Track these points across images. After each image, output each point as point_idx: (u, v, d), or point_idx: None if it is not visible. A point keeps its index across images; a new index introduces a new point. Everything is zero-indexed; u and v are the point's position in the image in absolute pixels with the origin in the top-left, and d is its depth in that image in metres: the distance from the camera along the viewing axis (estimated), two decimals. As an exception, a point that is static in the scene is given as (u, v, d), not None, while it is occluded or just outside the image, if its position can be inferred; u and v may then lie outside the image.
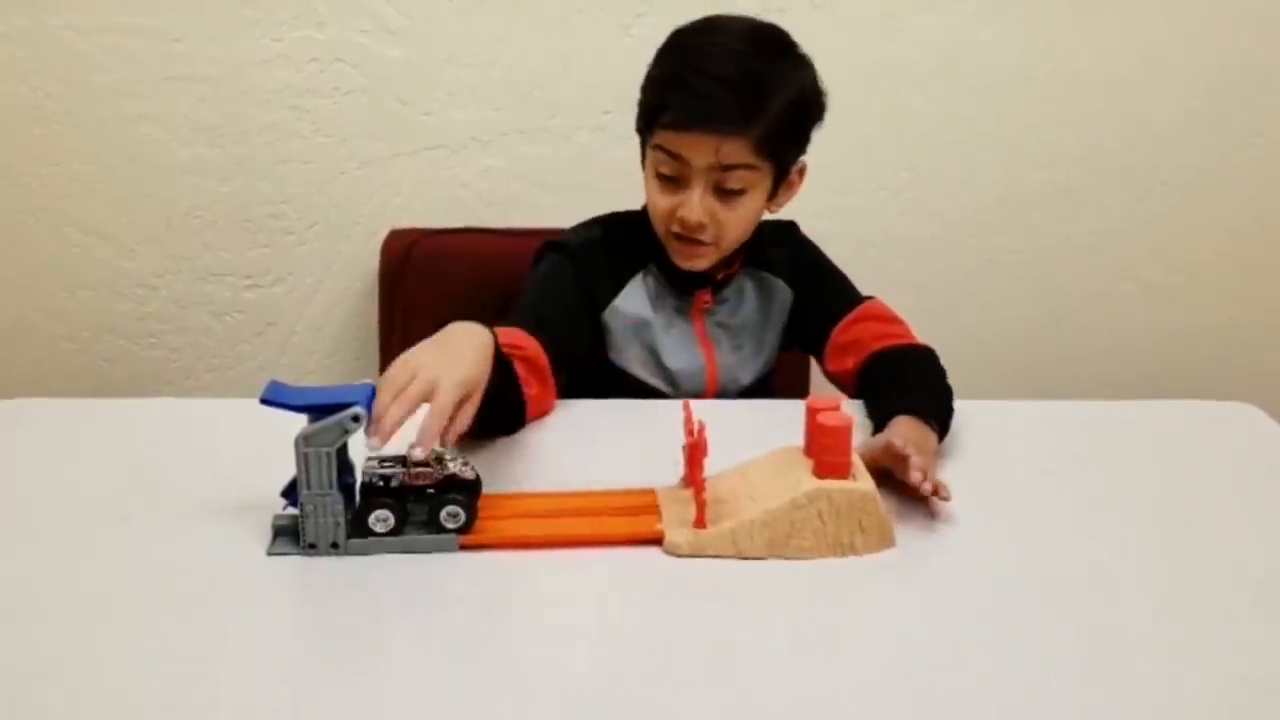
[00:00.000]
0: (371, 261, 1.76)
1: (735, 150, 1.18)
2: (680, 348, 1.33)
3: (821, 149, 1.29)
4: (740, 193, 1.22)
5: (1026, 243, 1.91)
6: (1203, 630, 0.87)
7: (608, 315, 1.31)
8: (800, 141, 1.25)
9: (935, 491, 1.02)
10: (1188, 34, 1.82)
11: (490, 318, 1.66)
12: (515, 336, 1.16)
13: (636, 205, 1.36)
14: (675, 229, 1.24)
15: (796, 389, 1.57)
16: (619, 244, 1.32)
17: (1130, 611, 0.89)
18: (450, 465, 0.95)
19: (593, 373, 1.30)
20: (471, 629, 0.85)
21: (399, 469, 0.95)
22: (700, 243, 1.24)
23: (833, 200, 1.83)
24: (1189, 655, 0.83)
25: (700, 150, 1.18)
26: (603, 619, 0.87)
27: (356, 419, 0.90)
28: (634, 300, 1.31)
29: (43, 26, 1.69)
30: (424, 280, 1.70)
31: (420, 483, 0.94)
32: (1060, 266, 1.93)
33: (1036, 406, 1.31)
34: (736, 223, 1.24)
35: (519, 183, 1.80)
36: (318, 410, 0.91)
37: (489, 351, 1.02)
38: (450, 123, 1.77)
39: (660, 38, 1.25)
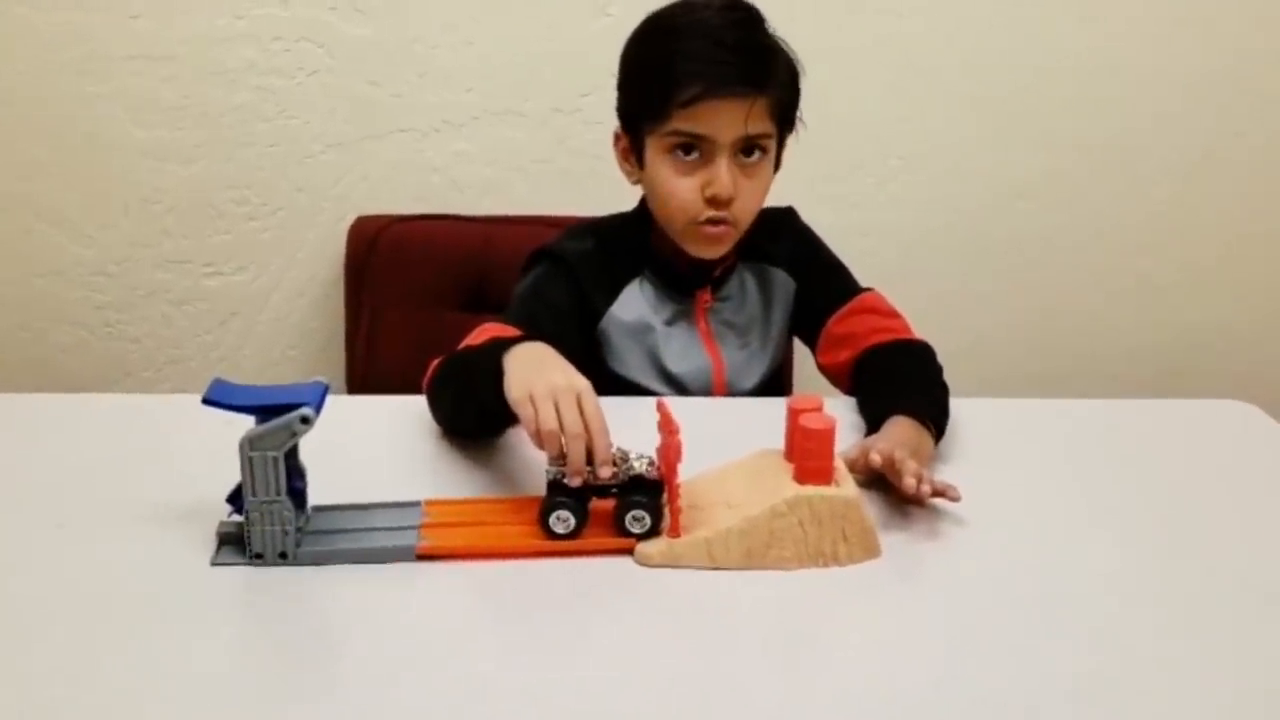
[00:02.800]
0: (338, 248, 1.72)
1: (759, 115, 1.16)
2: (684, 351, 1.28)
3: (807, 135, 1.25)
4: (759, 163, 1.20)
5: (1019, 233, 1.88)
6: (1205, 636, 0.84)
7: (605, 324, 1.27)
8: (797, 106, 1.23)
9: (940, 493, 0.97)
10: (1186, 18, 1.79)
11: (461, 307, 1.65)
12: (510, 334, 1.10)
13: (612, 191, 1.31)
14: (707, 214, 1.19)
15: (810, 386, 1.51)
16: (612, 252, 1.28)
17: (1128, 623, 0.86)
18: (636, 464, 0.92)
19: (592, 383, 1.25)
20: (429, 645, 0.81)
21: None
22: (724, 222, 1.20)
23: (819, 189, 1.78)
24: (1191, 665, 0.81)
25: (729, 120, 1.15)
26: (569, 633, 0.83)
27: (306, 420, 0.86)
28: (632, 307, 1.27)
29: (-6, 2, 1.63)
30: (392, 268, 1.67)
31: (603, 482, 0.90)
32: (1054, 258, 1.90)
33: (1029, 405, 1.28)
34: (755, 195, 1.22)
35: (492, 168, 1.76)
36: (264, 411, 0.86)
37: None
38: (421, 105, 1.73)
39: (637, 18, 1.21)
